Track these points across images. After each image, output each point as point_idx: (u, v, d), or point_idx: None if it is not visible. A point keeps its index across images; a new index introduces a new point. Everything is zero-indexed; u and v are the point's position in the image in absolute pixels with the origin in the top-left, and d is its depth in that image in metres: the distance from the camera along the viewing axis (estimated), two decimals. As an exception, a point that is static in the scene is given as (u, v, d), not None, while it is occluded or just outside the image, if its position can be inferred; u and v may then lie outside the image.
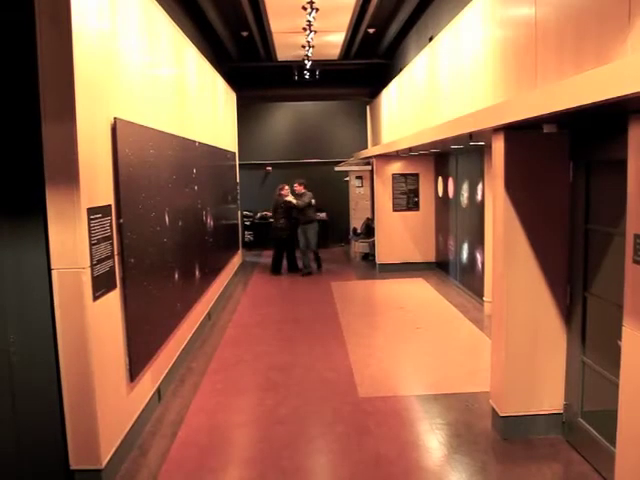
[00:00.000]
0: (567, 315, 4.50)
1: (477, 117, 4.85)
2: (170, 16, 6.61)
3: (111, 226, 4.29)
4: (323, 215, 15.72)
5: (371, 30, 11.98)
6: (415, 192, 12.09)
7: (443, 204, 11.39)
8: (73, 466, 3.94)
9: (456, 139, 6.41)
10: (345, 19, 10.71)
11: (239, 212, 13.10)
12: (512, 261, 4.47)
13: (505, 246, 4.47)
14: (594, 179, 4.16)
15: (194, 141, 7.53)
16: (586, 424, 4.28)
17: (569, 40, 3.46)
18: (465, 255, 9.95)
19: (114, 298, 4.34)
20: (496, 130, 4.50)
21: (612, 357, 3.68)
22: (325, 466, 4.47)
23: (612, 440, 3.61)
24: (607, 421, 3.91)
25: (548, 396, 4.58)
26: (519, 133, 4.33)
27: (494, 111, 4.37)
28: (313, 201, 12.11)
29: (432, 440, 4.69)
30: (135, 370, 4.68)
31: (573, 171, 4.36)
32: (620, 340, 3.30)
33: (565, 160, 4.39)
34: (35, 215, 3.74)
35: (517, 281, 4.48)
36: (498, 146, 4.52)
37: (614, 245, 3.87)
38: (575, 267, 4.39)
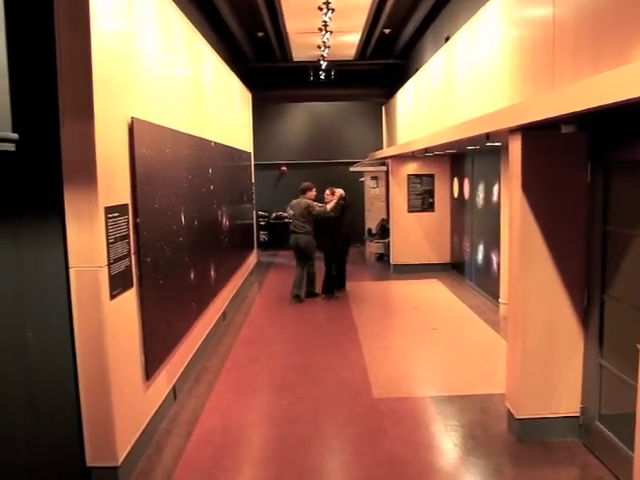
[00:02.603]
0: (584, 317, 4.46)
1: (494, 117, 4.83)
2: (186, 16, 6.64)
3: (128, 225, 4.31)
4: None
5: (387, 30, 11.97)
6: (430, 193, 12.04)
7: (459, 205, 11.34)
8: (90, 463, 3.97)
9: (472, 140, 6.38)
10: (361, 19, 10.71)
11: (254, 212, 13.13)
12: (529, 263, 4.44)
13: (522, 247, 4.44)
14: (613, 180, 4.12)
15: (210, 141, 7.56)
16: (603, 427, 4.24)
17: (587, 41, 3.43)
18: (481, 256, 9.89)
19: (130, 297, 4.37)
20: (513, 131, 4.47)
21: (630, 360, 3.64)
22: (339, 466, 4.46)
23: (630, 444, 3.57)
24: (625, 424, 3.86)
25: (565, 399, 4.54)
26: (537, 134, 4.30)
27: (511, 111, 4.35)
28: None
29: (447, 442, 4.67)
30: (151, 369, 4.71)
31: (591, 172, 4.32)
32: (639, 343, 3.27)
33: (583, 161, 4.35)
34: (53, 214, 3.77)
35: (534, 283, 4.45)
36: (515, 147, 4.49)
37: (633, 247, 3.83)
38: (593, 269, 4.35)
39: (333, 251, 9.94)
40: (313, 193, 9.91)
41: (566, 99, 3.23)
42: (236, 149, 10.20)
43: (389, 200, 13.02)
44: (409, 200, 12.07)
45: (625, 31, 3.00)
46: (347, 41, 12.24)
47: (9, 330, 3.82)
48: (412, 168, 12.02)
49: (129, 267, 4.33)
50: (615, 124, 3.91)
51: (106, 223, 3.88)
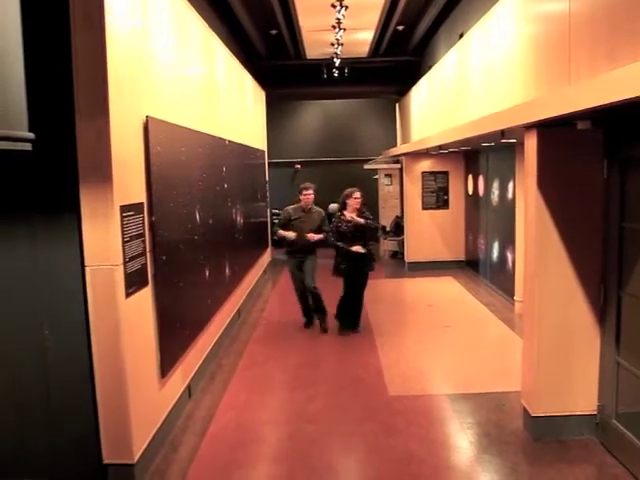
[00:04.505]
0: (601, 315, 4.42)
1: (509, 114, 4.79)
2: (200, 15, 6.66)
3: (143, 224, 4.33)
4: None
5: (400, 27, 11.92)
6: (445, 190, 11.99)
7: (473, 202, 11.28)
8: (106, 460, 3.99)
9: (487, 136, 6.34)
10: (374, 16, 10.68)
11: (268, 210, 13.14)
12: (544, 260, 4.40)
13: (537, 245, 4.41)
14: (630, 176, 4.08)
15: (224, 139, 7.57)
16: (620, 426, 4.20)
17: (603, 36, 3.40)
18: (495, 254, 9.84)
19: (146, 295, 4.39)
20: (528, 127, 4.44)
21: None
22: (354, 464, 4.46)
23: (648, 442, 3.55)
24: (642, 423, 3.84)
25: (581, 397, 4.51)
26: (552, 130, 4.26)
27: (527, 108, 4.32)
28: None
29: (462, 440, 4.65)
30: (166, 366, 4.73)
31: (608, 168, 4.28)
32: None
33: (599, 158, 4.31)
34: (69, 212, 3.80)
35: (549, 280, 4.42)
36: (531, 143, 4.46)
37: (650, 244, 3.79)
38: (609, 266, 4.31)
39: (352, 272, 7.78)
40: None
41: (582, 95, 3.20)
42: (250, 147, 10.22)
43: (403, 197, 12.98)
44: (423, 197, 12.03)
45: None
46: (360, 38, 12.21)
47: (26, 328, 3.86)
48: (426, 165, 11.98)
49: (144, 265, 4.35)
50: (632, 120, 3.86)
51: (121, 222, 3.90)
